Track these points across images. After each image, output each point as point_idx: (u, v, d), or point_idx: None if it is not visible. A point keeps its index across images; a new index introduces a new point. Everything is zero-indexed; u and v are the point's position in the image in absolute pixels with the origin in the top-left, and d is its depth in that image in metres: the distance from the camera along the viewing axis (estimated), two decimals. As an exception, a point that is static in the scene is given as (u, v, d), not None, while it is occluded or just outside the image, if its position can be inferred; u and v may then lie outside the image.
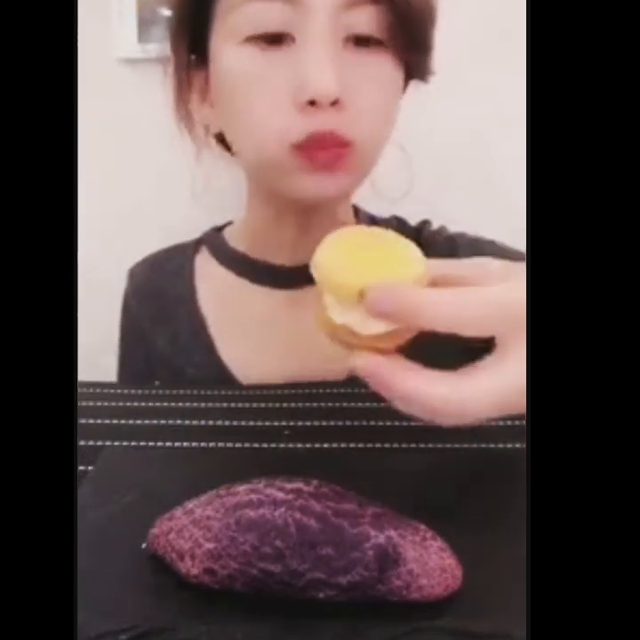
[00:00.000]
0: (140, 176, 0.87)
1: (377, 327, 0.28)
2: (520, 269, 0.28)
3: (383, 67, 0.45)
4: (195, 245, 0.63)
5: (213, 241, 0.62)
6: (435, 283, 0.30)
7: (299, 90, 0.42)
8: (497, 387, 0.27)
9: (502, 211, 0.81)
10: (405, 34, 0.44)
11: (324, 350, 0.55)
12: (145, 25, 0.81)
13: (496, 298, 0.27)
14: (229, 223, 0.64)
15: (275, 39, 0.43)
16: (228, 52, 0.44)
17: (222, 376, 0.56)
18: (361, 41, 0.44)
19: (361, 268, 0.28)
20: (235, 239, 0.60)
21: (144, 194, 0.88)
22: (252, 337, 0.57)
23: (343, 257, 0.29)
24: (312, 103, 0.41)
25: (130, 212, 0.89)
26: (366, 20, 0.43)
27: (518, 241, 0.49)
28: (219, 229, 0.64)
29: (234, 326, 0.58)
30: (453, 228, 0.66)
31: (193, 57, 0.49)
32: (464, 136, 0.83)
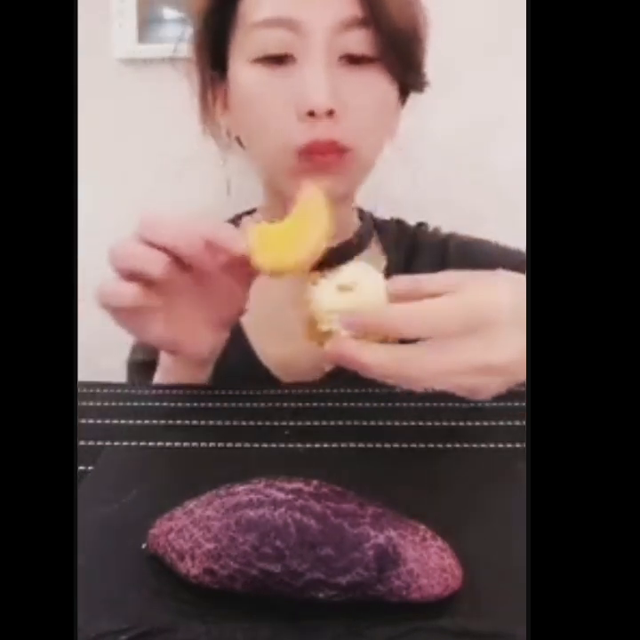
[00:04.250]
0: (140, 176, 0.88)
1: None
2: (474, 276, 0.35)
3: (376, 81, 0.51)
4: None
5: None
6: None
7: (299, 103, 0.49)
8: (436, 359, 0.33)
9: (502, 210, 0.81)
10: (395, 52, 0.50)
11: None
12: (145, 25, 0.81)
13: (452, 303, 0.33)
14: (253, 211, 0.68)
15: (279, 59, 0.50)
16: (241, 70, 0.52)
17: (252, 364, 0.61)
18: (354, 59, 0.50)
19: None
20: None
21: (144, 193, 0.88)
22: (276, 324, 0.61)
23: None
24: (311, 114, 0.48)
25: (130, 212, 0.89)
26: (358, 41, 0.49)
27: (518, 240, 0.49)
28: (240, 217, 0.68)
29: (258, 316, 0.60)
30: (453, 227, 0.66)
31: (215, 72, 0.57)
32: (464, 136, 0.83)
